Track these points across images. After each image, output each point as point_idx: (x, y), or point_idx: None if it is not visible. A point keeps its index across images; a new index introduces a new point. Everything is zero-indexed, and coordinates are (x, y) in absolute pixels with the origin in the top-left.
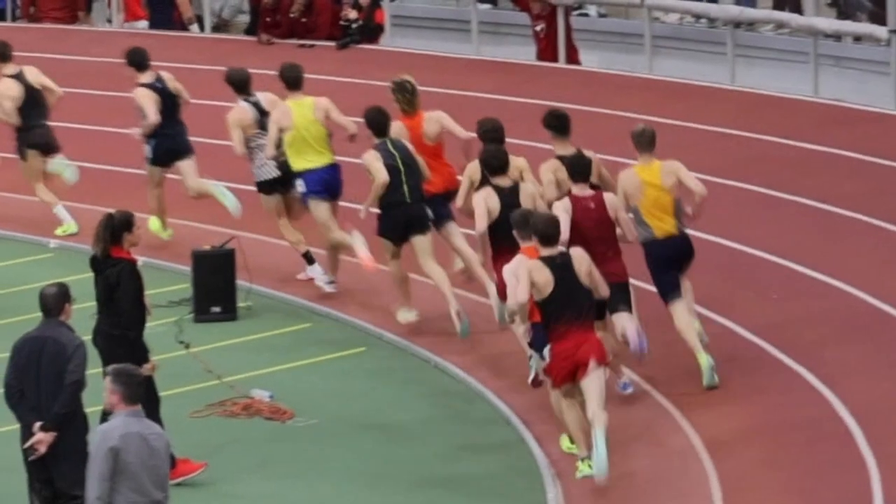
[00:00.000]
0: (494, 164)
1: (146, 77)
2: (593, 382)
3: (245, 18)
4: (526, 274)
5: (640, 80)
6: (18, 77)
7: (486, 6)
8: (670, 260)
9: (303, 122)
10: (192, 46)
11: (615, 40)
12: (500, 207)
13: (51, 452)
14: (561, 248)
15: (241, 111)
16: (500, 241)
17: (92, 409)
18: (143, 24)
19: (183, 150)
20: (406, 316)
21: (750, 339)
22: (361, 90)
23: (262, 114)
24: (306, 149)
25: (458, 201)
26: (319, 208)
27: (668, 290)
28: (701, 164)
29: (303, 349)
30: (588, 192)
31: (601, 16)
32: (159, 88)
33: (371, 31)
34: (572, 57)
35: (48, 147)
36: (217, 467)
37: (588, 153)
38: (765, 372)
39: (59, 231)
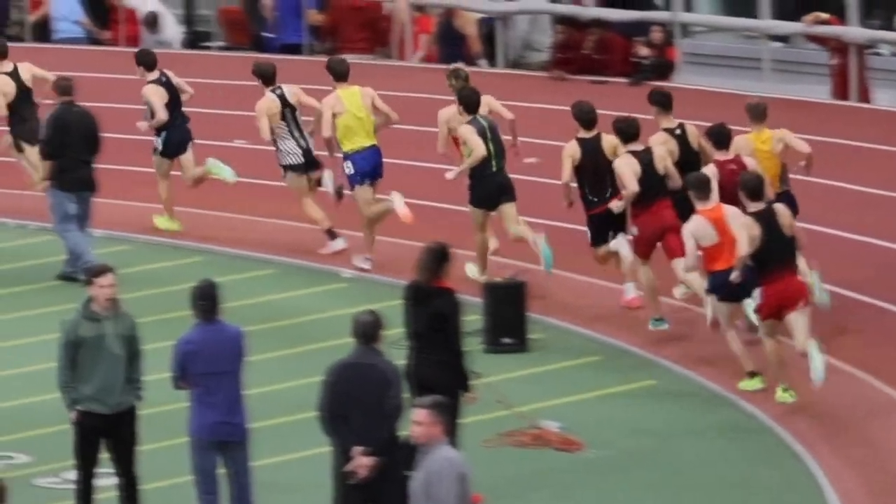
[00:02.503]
0: (631, 132)
1: (153, 75)
2: (800, 318)
3: (538, 55)
4: (691, 237)
5: None
6: (13, 74)
7: (778, 44)
8: None
9: (353, 108)
10: (483, 81)
11: None
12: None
13: (373, 477)
14: (765, 204)
15: (268, 101)
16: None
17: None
18: (419, 54)
19: (188, 140)
20: (474, 271)
21: None
22: (652, 126)
23: (286, 105)
24: (355, 133)
25: (565, 176)
26: (364, 191)
27: None
28: None
29: (593, 381)
30: (729, 156)
31: (894, 55)
32: (164, 82)
33: (663, 68)
34: (864, 95)
35: (35, 138)
36: (509, 496)
37: (687, 124)
38: None
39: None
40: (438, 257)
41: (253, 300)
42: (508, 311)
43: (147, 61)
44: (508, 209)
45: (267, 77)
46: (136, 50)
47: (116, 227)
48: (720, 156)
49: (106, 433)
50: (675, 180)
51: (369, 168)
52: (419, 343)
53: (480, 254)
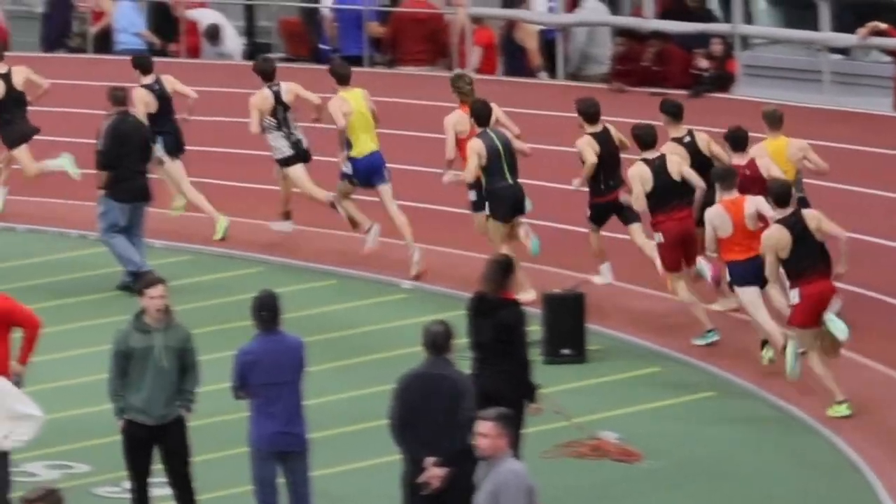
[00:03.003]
0: (649, 139)
1: (147, 79)
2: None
3: (598, 67)
4: (709, 223)
5: None
6: (5, 77)
7: (839, 56)
8: None
9: (358, 108)
10: (543, 93)
11: None
12: (651, 177)
13: (444, 487)
14: (793, 209)
15: (262, 97)
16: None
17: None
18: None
19: (182, 144)
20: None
21: None
22: (712, 138)
23: (279, 102)
24: (362, 132)
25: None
26: (345, 186)
27: None
28: None
29: (652, 392)
30: (745, 160)
31: None
32: (157, 90)
33: (723, 80)
34: None
35: (25, 139)
36: None
37: (697, 131)
38: None
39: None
40: (503, 269)
41: (312, 311)
42: (567, 322)
43: (143, 65)
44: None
45: (266, 74)
46: (198, 61)
47: (177, 238)
48: (737, 159)
49: (153, 443)
50: (697, 181)
51: (367, 175)
52: (483, 354)
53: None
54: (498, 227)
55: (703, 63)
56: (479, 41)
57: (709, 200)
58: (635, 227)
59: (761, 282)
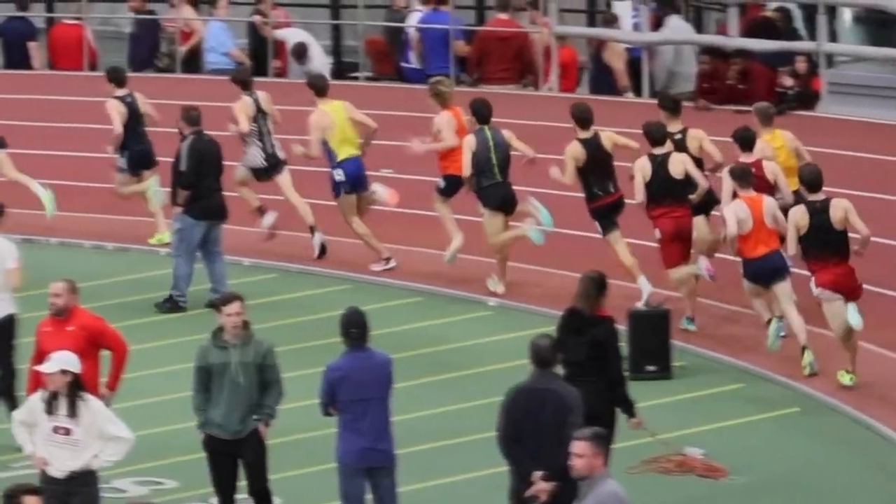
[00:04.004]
0: (657, 135)
1: (121, 92)
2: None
3: (685, 86)
4: (733, 215)
5: None
6: (130, 104)
7: None
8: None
9: (340, 119)
10: (629, 111)
11: None
12: (651, 172)
13: (552, 502)
14: (822, 195)
15: (245, 103)
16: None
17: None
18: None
19: (151, 158)
20: (496, 286)
21: None
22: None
23: (259, 110)
24: (346, 142)
25: (568, 176)
26: (348, 199)
27: None
28: None
29: (736, 408)
30: (751, 158)
31: None
32: (129, 102)
33: (808, 98)
34: None
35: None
36: None
37: (690, 129)
38: None
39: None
40: (598, 286)
41: (399, 328)
42: (652, 338)
43: (117, 78)
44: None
45: (245, 83)
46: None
47: (263, 256)
48: (744, 157)
49: (234, 458)
50: (701, 180)
51: (358, 177)
52: (575, 371)
53: (502, 261)
54: (496, 222)
55: (788, 81)
56: (561, 60)
57: (708, 201)
58: (615, 235)
59: (772, 280)
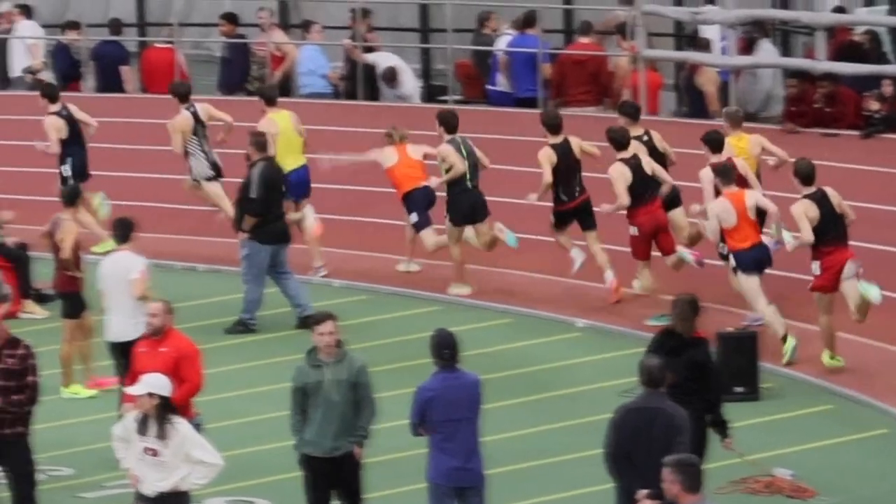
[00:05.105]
0: (622, 140)
1: (55, 107)
2: (852, 287)
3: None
4: (716, 214)
5: None
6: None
7: None
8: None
9: (286, 128)
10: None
11: None
12: (631, 174)
13: None
14: (817, 187)
15: (183, 118)
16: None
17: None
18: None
19: (86, 167)
20: (459, 290)
21: None
22: (883, 179)
23: (198, 122)
24: (290, 152)
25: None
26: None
27: None
28: None
29: (825, 429)
30: (722, 158)
31: None
32: (65, 115)
33: (894, 122)
34: None
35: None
36: None
37: (653, 130)
38: None
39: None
40: (693, 308)
41: (488, 349)
42: (741, 360)
43: (50, 94)
44: (479, 227)
45: (182, 96)
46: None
47: (354, 278)
48: (715, 158)
49: (326, 477)
50: (667, 178)
51: (301, 187)
52: (672, 392)
53: (459, 266)
54: (452, 231)
55: (874, 105)
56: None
57: (676, 194)
58: (592, 235)
59: (763, 270)
